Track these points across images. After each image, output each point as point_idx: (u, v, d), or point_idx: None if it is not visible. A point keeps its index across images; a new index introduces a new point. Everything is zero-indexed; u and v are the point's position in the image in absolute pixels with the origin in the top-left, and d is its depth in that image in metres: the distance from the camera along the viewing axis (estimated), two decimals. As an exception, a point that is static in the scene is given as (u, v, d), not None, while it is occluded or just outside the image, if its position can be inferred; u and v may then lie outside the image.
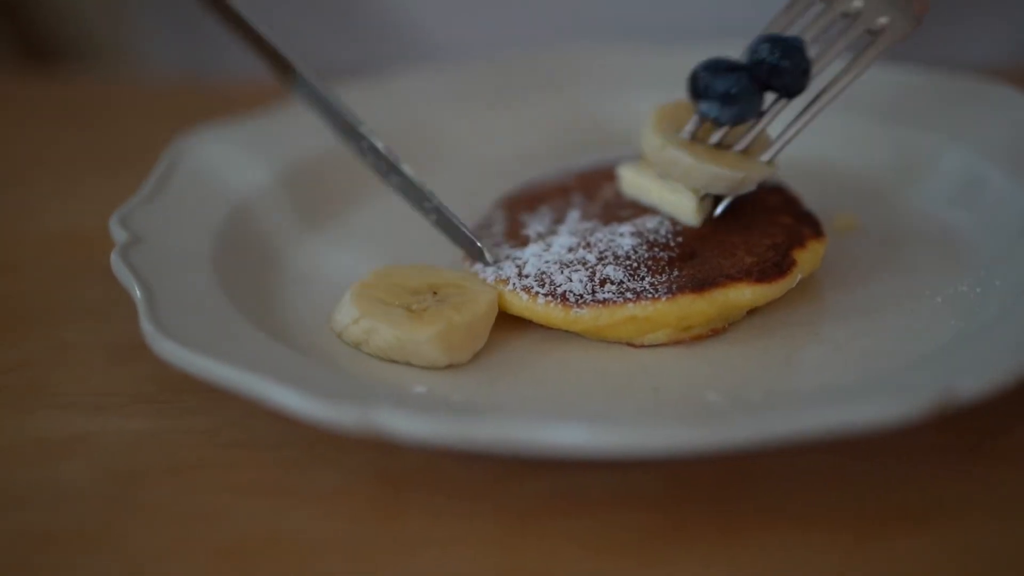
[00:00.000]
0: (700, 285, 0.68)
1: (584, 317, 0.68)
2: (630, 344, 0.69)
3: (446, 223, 0.74)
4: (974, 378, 0.59)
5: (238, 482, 0.63)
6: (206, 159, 0.82)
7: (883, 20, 0.72)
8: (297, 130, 0.86)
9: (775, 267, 0.70)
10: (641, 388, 0.66)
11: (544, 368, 0.68)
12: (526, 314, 0.69)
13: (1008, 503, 0.60)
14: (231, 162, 0.82)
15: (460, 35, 1.11)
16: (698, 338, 0.69)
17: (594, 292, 0.69)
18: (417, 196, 0.74)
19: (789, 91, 0.71)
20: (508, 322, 0.71)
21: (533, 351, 0.69)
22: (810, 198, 0.76)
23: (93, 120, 1.02)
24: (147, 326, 0.65)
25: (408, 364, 0.68)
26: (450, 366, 0.68)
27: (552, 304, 0.69)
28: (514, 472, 0.62)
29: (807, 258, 0.71)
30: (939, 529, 0.59)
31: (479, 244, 0.72)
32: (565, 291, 0.69)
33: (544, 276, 0.70)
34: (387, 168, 0.75)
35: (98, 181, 0.92)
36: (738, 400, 0.65)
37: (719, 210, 0.72)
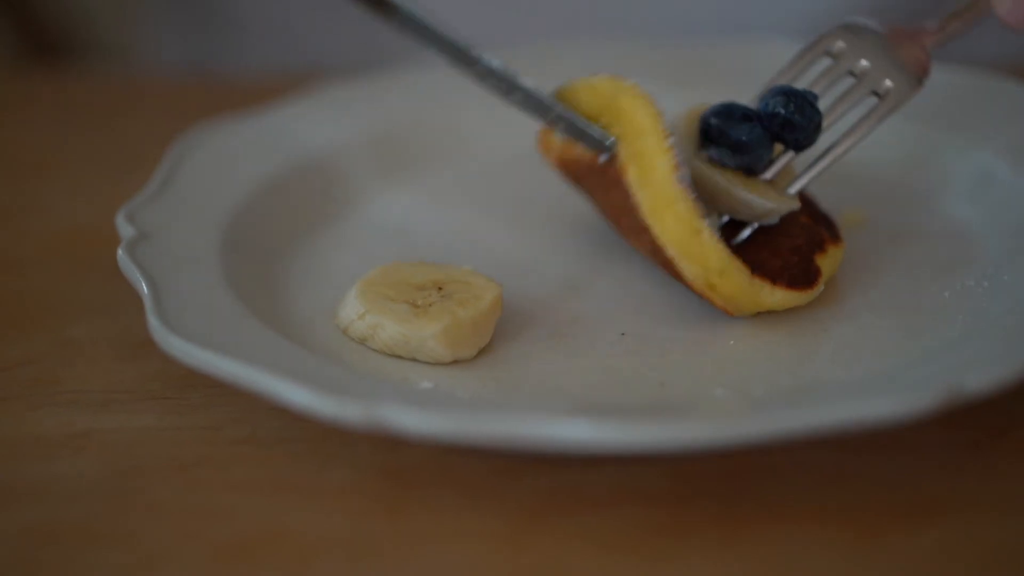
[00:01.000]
0: (751, 266, 0.68)
1: (679, 193, 0.67)
2: (652, 250, 0.68)
3: (572, 127, 0.71)
4: (982, 373, 0.59)
5: (243, 478, 0.63)
6: (212, 155, 0.82)
7: (888, 83, 0.72)
8: (303, 126, 0.86)
9: (803, 275, 0.69)
10: (647, 384, 0.66)
11: (549, 363, 0.68)
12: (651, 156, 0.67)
13: (1015, 499, 0.60)
14: (238, 158, 0.82)
15: (470, 30, 1.11)
16: (706, 298, 0.69)
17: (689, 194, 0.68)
18: (540, 108, 0.71)
19: (799, 145, 0.71)
20: (513, 318, 0.71)
21: (538, 347, 0.69)
22: (818, 192, 0.75)
23: (99, 117, 1.02)
24: (154, 322, 0.65)
25: (413, 360, 0.68)
26: (455, 362, 0.68)
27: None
28: (519, 468, 0.62)
29: (828, 264, 0.71)
30: (945, 525, 0.59)
31: (608, 142, 0.70)
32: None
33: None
34: (507, 87, 0.71)
35: (104, 177, 0.92)
36: (745, 396, 0.65)
37: (740, 239, 0.72)
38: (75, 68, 1.24)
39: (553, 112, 0.71)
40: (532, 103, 0.71)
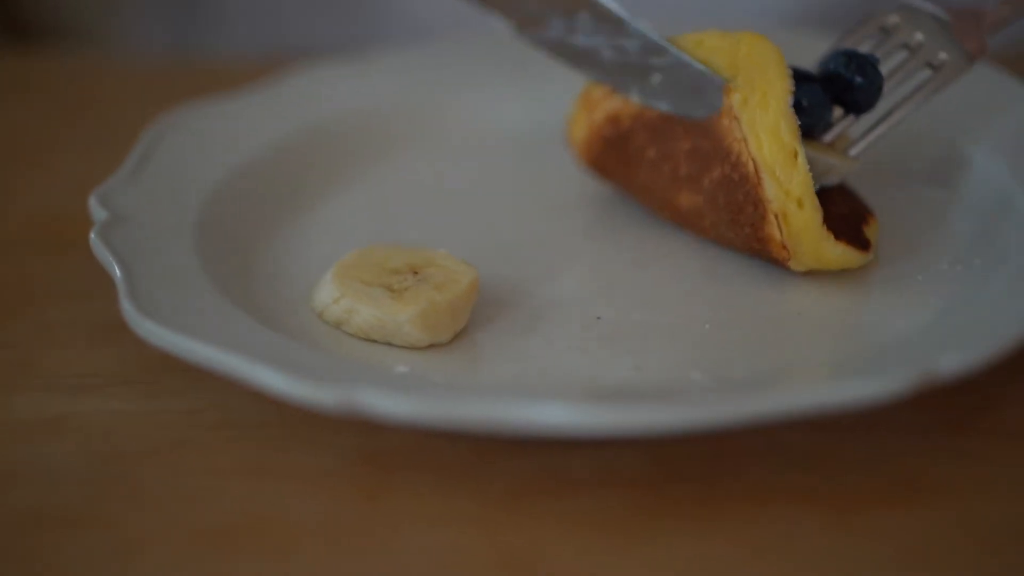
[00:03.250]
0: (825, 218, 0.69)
1: (789, 115, 0.68)
2: (708, 198, 0.70)
3: (682, 69, 0.70)
4: (956, 355, 0.59)
5: (219, 463, 0.63)
6: (188, 138, 0.81)
7: (944, 55, 0.73)
8: (281, 110, 0.85)
9: (858, 241, 0.70)
10: (623, 367, 0.66)
11: (526, 347, 0.68)
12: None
13: (993, 479, 0.60)
14: (213, 141, 0.82)
15: (453, 12, 1.10)
16: (762, 243, 0.69)
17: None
18: (650, 52, 0.71)
19: (860, 107, 0.71)
20: (489, 302, 0.71)
21: (515, 330, 0.69)
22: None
23: (74, 99, 1.02)
24: (127, 306, 0.65)
25: (389, 344, 0.68)
26: (431, 346, 0.68)
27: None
28: (497, 451, 0.62)
29: (871, 236, 0.71)
30: (925, 505, 0.59)
31: (719, 79, 0.70)
32: None
33: None
34: (616, 30, 0.70)
35: (81, 161, 0.91)
36: (721, 379, 0.65)
37: None
38: (51, 51, 1.23)
39: (665, 55, 0.70)
40: (646, 46, 0.70)
